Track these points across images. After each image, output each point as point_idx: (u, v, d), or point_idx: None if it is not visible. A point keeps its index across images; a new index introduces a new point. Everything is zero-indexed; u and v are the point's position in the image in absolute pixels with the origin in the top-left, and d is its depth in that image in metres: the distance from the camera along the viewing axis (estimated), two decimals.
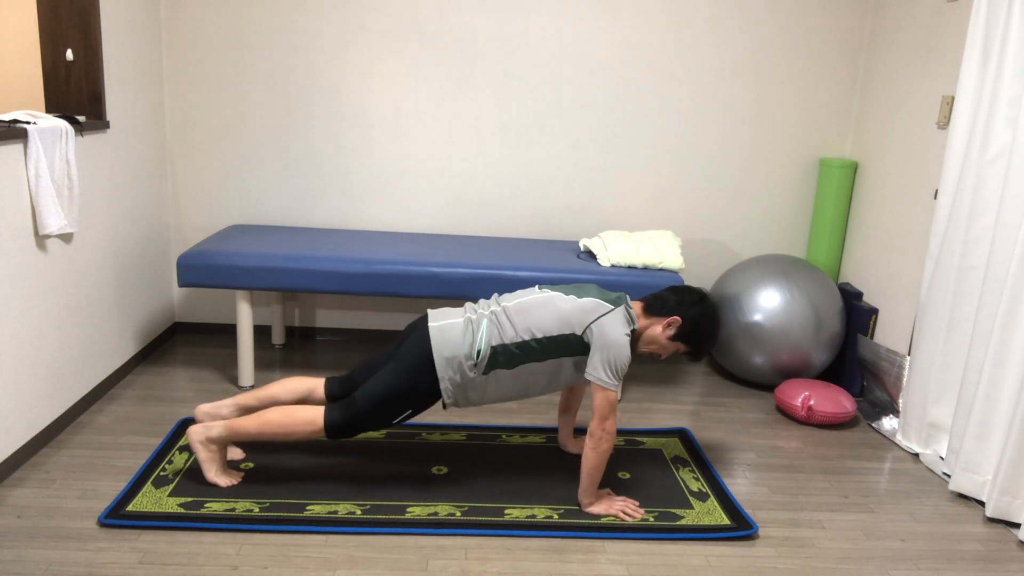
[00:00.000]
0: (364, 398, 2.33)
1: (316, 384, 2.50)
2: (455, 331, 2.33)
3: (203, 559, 2.08)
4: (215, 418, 2.49)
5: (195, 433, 2.39)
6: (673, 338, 2.39)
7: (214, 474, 2.41)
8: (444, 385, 2.33)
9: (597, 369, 2.27)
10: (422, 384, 2.33)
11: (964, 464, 2.63)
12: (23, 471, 2.48)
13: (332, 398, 2.48)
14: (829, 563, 2.24)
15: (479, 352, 2.31)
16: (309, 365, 3.54)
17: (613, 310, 2.32)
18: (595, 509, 2.40)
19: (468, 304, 2.47)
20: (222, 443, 2.40)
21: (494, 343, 2.32)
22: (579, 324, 2.31)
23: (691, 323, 2.37)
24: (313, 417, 2.32)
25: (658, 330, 2.39)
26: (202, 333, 3.87)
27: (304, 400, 2.49)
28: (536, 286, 2.50)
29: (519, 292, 2.46)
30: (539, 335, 2.32)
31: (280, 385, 2.51)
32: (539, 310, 2.35)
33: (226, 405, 2.51)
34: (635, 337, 2.42)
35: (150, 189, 3.48)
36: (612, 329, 2.28)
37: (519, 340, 2.32)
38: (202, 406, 2.52)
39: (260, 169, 3.69)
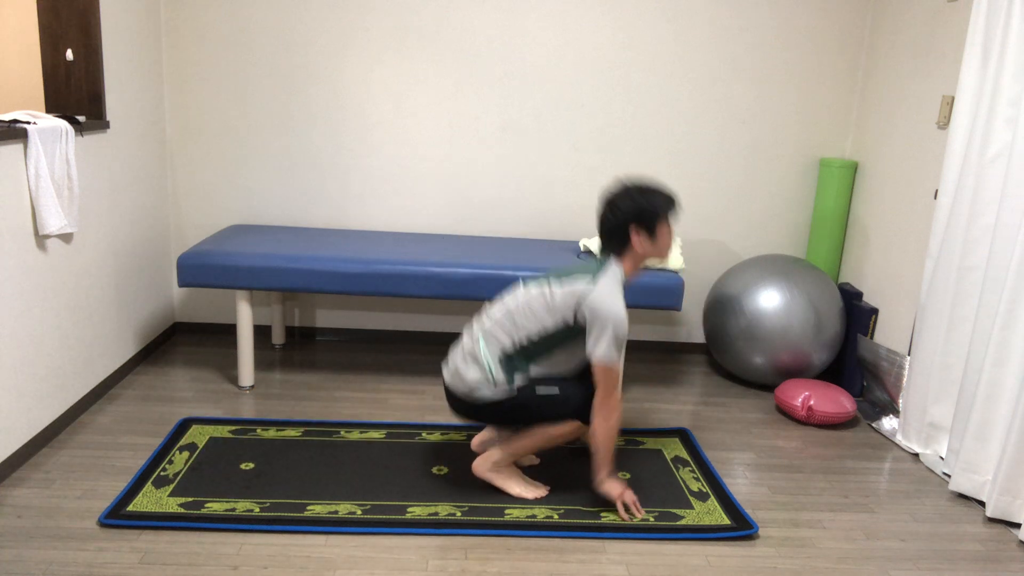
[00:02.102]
0: (556, 417, 2.37)
1: None
2: (464, 368, 2.39)
3: (203, 559, 2.08)
4: (487, 445, 2.64)
5: (481, 467, 2.50)
6: (647, 232, 2.32)
7: (520, 489, 2.48)
8: (495, 394, 2.37)
9: (597, 347, 2.26)
10: (504, 401, 2.37)
11: (964, 464, 2.63)
12: (23, 471, 2.48)
13: None
14: (829, 563, 2.24)
15: (492, 371, 2.35)
16: (309, 365, 3.54)
17: (597, 282, 2.28)
18: (607, 488, 2.40)
19: (465, 329, 2.50)
20: (507, 462, 2.49)
21: (499, 356, 2.36)
22: (568, 311, 2.30)
23: (629, 211, 2.30)
24: (568, 427, 2.38)
25: (639, 248, 2.34)
26: (202, 333, 3.87)
27: None
28: (520, 283, 2.48)
29: (505, 298, 2.44)
30: (535, 337, 2.34)
31: None
32: (526, 312, 2.35)
33: (489, 432, 2.67)
34: (640, 270, 2.42)
35: (150, 189, 3.48)
36: (605, 302, 2.25)
37: (518, 347, 2.35)
38: (476, 438, 2.70)
39: (260, 169, 3.69)
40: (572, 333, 2.33)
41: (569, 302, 2.29)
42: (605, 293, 2.27)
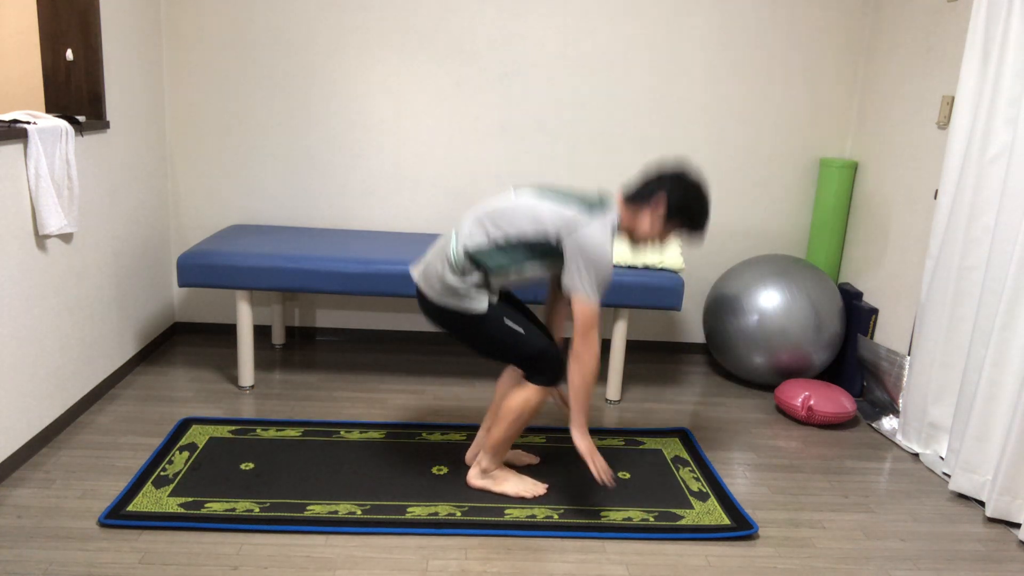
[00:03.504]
0: (510, 359, 2.35)
1: (515, 371, 2.55)
2: (434, 270, 2.31)
3: (203, 559, 2.08)
4: (476, 452, 2.64)
5: (475, 480, 2.51)
6: (666, 217, 2.24)
7: (518, 488, 2.48)
8: (463, 305, 2.29)
9: (573, 278, 2.17)
10: (468, 319, 2.31)
11: (964, 464, 2.63)
12: (23, 471, 2.48)
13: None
14: (829, 563, 2.24)
15: (456, 263, 2.26)
16: (309, 365, 3.54)
17: (591, 222, 2.20)
18: (581, 444, 2.30)
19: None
20: (496, 464, 2.49)
21: (473, 251, 2.25)
22: (553, 230, 2.20)
23: (677, 193, 2.22)
24: (527, 395, 2.34)
25: (647, 217, 2.25)
26: (202, 333, 3.87)
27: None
28: (511, 188, 2.41)
29: (491, 199, 2.34)
30: (513, 240, 2.23)
31: (498, 392, 2.62)
32: (510, 216, 2.25)
33: (478, 440, 2.66)
34: (630, 235, 2.32)
35: (150, 189, 3.48)
36: (593, 241, 2.16)
37: (495, 245, 2.24)
38: (468, 452, 2.69)
39: (260, 169, 3.69)
40: (548, 251, 2.23)
41: (556, 223, 2.20)
42: (597, 233, 2.17)
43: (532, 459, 2.70)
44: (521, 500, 2.45)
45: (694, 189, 2.24)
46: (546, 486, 2.52)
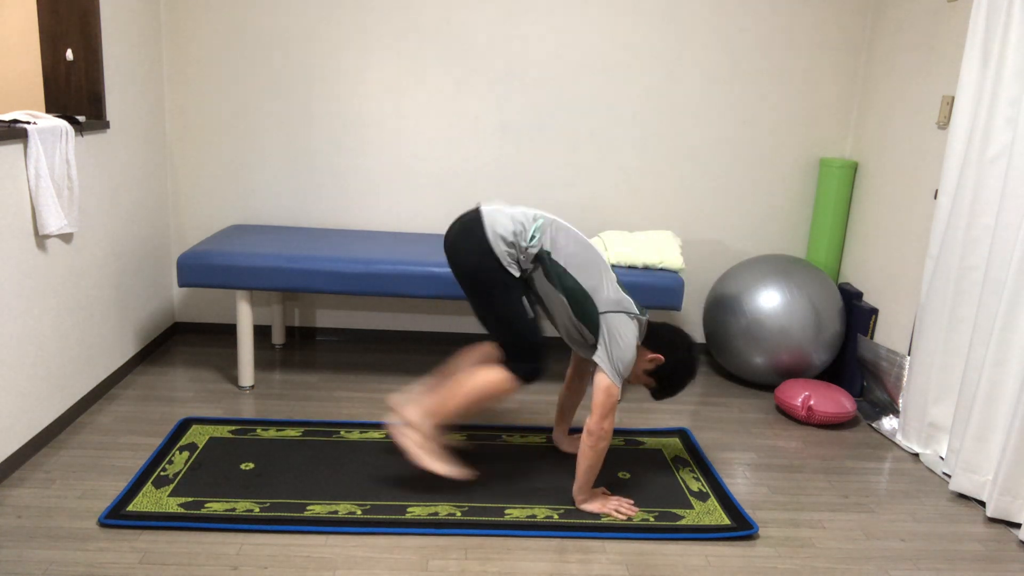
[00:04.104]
0: (504, 336, 2.33)
1: (490, 348, 2.52)
2: (505, 218, 2.32)
3: (203, 559, 2.08)
4: (406, 404, 2.45)
5: (405, 437, 2.39)
6: (649, 372, 2.40)
7: (437, 465, 2.40)
8: (500, 250, 2.29)
9: (604, 359, 2.27)
10: (497, 274, 2.30)
11: (964, 464, 2.63)
12: (23, 471, 2.48)
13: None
14: (829, 563, 2.24)
15: (533, 236, 2.29)
16: (309, 365, 3.54)
17: (635, 316, 2.32)
18: (589, 507, 2.40)
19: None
20: (428, 428, 2.39)
21: (545, 245, 2.31)
22: (603, 301, 2.29)
23: (671, 366, 2.38)
24: (499, 377, 2.33)
25: (639, 359, 2.39)
26: (202, 333, 3.87)
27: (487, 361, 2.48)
28: (601, 241, 2.45)
29: (581, 235, 2.41)
30: (571, 271, 2.30)
31: (461, 362, 2.56)
32: (585, 253, 2.33)
33: (415, 396, 2.47)
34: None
35: (150, 189, 3.48)
36: (625, 329, 2.28)
37: (559, 261, 2.30)
38: (395, 398, 2.50)
39: (260, 169, 3.69)
40: (584, 303, 2.29)
41: (609, 298, 2.29)
42: (632, 329, 2.30)
43: (467, 444, 2.64)
44: (521, 500, 2.45)
45: (686, 372, 2.40)
46: (473, 474, 2.48)
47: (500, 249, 2.29)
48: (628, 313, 2.31)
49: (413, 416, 2.39)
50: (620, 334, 2.26)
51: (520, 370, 2.34)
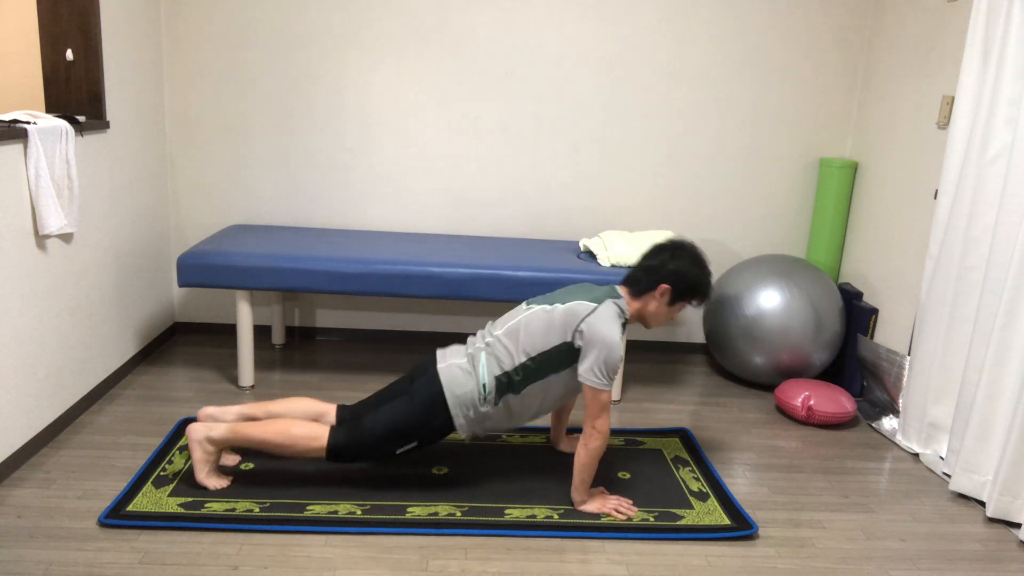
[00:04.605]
0: (373, 424, 2.35)
1: (327, 409, 2.47)
2: (461, 371, 2.37)
3: (203, 559, 2.08)
4: (218, 421, 2.47)
5: (195, 432, 2.37)
6: (672, 302, 2.40)
7: (205, 475, 2.39)
8: (459, 422, 2.37)
9: (587, 370, 2.28)
10: (435, 420, 2.36)
11: (964, 464, 2.63)
12: (23, 471, 2.48)
13: (342, 423, 2.44)
14: (829, 563, 2.24)
15: (485, 386, 2.34)
16: (309, 365, 3.54)
17: (598, 307, 2.31)
18: (587, 507, 2.41)
19: (469, 339, 2.49)
20: (221, 445, 2.39)
21: (496, 373, 2.34)
22: (567, 330, 2.30)
23: (680, 281, 2.37)
24: (318, 433, 2.33)
25: (654, 305, 2.40)
26: (202, 333, 3.87)
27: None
28: (524, 303, 2.49)
29: (507, 315, 2.47)
30: (533, 354, 2.33)
31: (290, 403, 2.48)
32: (527, 329, 2.35)
33: (231, 412, 2.49)
34: (640, 320, 2.45)
35: (150, 189, 3.48)
36: (601, 327, 2.27)
37: (517, 364, 2.34)
38: (207, 408, 2.50)
39: (260, 169, 3.69)
40: (564, 358, 2.32)
41: (570, 321, 2.31)
42: (607, 319, 2.29)
43: (236, 458, 2.59)
44: (520, 500, 2.45)
45: (695, 269, 2.38)
46: (229, 480, 2.44)
47: (451, 402, 2.34)
48: (590, 310, 2.29)
49: (215, 431, 2.36)
50: (595, 336, 2.26)
51: (338, 442, 2.33)
